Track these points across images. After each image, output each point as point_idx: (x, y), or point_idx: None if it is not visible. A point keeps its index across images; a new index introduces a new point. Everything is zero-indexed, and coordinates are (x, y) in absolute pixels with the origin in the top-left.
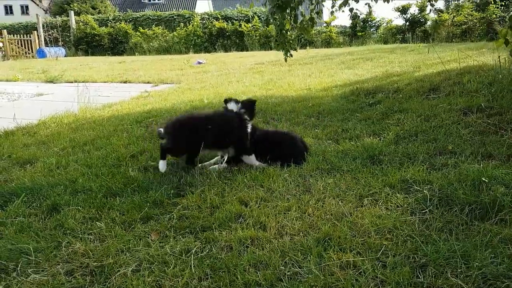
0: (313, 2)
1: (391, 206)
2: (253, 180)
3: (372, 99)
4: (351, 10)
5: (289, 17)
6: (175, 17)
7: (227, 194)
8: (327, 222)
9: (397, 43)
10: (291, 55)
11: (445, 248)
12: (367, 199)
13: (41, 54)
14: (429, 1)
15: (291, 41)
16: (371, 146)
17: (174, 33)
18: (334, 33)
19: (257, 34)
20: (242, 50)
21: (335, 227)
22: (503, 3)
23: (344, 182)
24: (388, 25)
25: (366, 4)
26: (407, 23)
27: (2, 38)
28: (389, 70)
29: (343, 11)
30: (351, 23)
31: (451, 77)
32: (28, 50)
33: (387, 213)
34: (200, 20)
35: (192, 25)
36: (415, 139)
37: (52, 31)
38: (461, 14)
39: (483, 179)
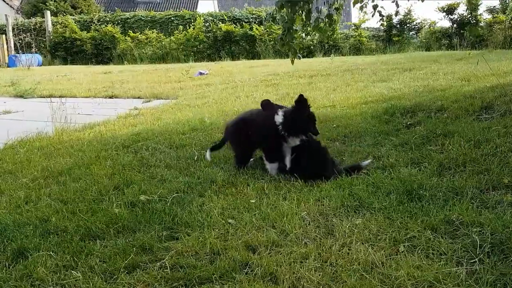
0: None
1: (432, 254)
2: (263, 220)
3: (411, 120)
4: (375, 7)
5: (301, 11)
6: (172, 18)
7: (231, 237)
8: (353, 273)
9: (442, 49)
10: (300, 57)
11: None
12: (404, 245)
13: (11, 62)
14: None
15: (301, 41)
16: (409, 178)
17: (172, 37)
18: (365, 37)
19: (272, 39)
20: (253, 58)
21: (364, 280)
22: None
23: (375, 223)
24: (431, 28)
25: (393, 1)
26: (455, 26)
27: None
28: (432, 83)
29: (364, 11)
30: (381, 24)
31: (508, 93)
32: None
33: (427, 263)
34: (203, 22)
35: (194, 28)
36: (463, 170)
37: (24, 34)
38: None
39: None
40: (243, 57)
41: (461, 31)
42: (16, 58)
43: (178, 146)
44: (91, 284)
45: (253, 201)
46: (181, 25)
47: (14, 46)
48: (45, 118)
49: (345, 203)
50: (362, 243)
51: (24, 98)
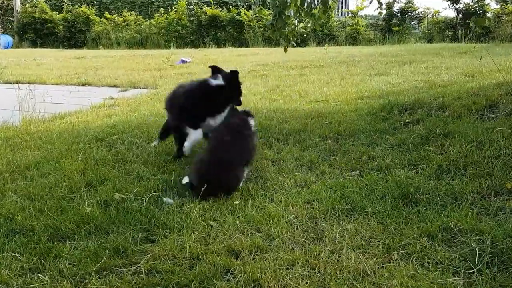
0: None
1: (428, 262)
2: (247, 223)
3: (409, 118)
4: None
5: None
6: None
7: (212, 240)
8: (343, 282)
9: (445, 41)
10: (294, 45)
11: None
12: (397, 253)
13: None
14: None
15: (293, 28)
16: (405, 181)
17: (152, 20)
18: (363, 26)
19: (261, 25)
20: (240, 46)
21: None
22: None
23: (367, 229)
24: (434, 17)
25: None
26: (460, 16)
27: None
28: (433, 78)
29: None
30: (379, 13)
31: None
32: None
33: (422, 272)
34: (186, 5)
35: (176, 11)
36: (464, 173)
37: None
38: None
39: None
40: (230, 45)
41: (467, 21)
42: None
43: None
44: None
45: (237, 202)
46: (162, 7)
47: None
48: (11, 107)
49: (336, 206)
50: (353, 250)
51: None
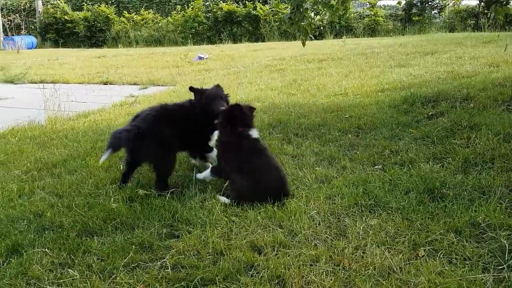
0: None
1: (456, 259)
2: (269, 218)
3: (433, 110)
4: None
5: None
6: None
7: (235, 236)
8: (368, 279)
9: (467, 31)
10: (312, 38)
11: None
12: (424, 249)
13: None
14: None
15: (310, 21)
16: (431, 175)
17: (169, 18)
18: (381, 16)
19: (277, 19)
20: (256, 41)
21: (380, 286)
22: None
23: (392, 225)
24: (456, 6)
25: None
26: (482, 4)
27: None
28: (457, 69)
29: None
30: (398, 2)
31: None
32: None
33: (450, 269)
34: (202, 1)
35: (192, 8)
36: (491, 166)
37: (14, 15)
38: None
39: None
40: (246, 40)
41: (490, 10)
42: (12, 41)
43: None
44: (88, 284)
45: None
46: (179, 4)
47: (3, 28)
48: (37, 106)
49: (359, 201)
50: (378, 246)
51: (14, 84)
